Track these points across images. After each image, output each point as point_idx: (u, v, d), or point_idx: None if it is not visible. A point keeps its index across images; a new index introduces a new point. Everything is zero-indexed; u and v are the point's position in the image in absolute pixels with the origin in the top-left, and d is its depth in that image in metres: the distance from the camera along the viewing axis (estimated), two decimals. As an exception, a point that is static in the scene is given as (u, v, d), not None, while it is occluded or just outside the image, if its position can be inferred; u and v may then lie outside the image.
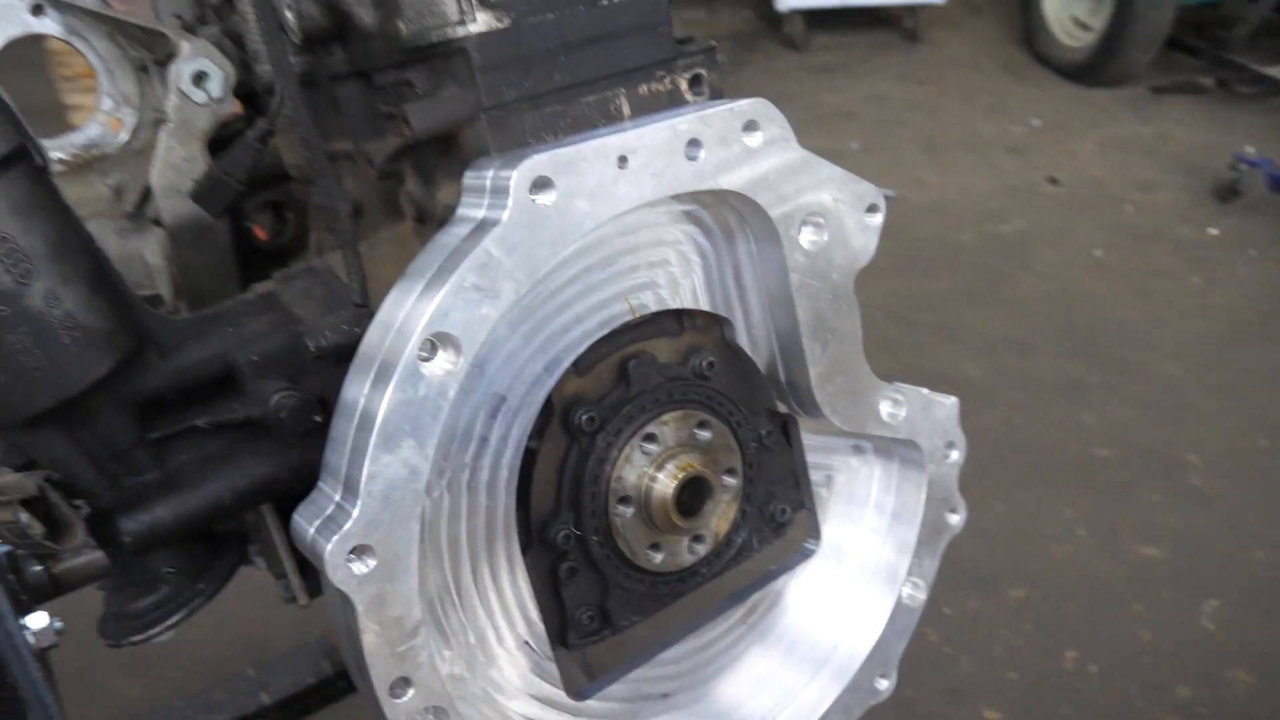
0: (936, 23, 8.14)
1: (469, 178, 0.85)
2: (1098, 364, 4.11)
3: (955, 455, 1.14)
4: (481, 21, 0.88)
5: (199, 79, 1.13)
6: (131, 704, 2.78)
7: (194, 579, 0.94)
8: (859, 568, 1.14)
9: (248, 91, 1.20)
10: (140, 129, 1.34)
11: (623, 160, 0.85)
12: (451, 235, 0.83)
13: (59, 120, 1.37)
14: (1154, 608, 3.06)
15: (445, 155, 0.95)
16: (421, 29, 0.90)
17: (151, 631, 0.92)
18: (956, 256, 4.93)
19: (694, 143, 0.88)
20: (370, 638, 0.79)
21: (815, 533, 1.14)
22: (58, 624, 1.02)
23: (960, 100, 6.75)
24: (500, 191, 0.81)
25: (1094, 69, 6.55)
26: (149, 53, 1.29)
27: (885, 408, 1.08)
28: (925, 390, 1.13)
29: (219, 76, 1.14)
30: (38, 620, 0.99)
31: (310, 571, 1.08)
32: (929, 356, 4.21)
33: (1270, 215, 5.14)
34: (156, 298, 1.30)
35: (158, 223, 1.15)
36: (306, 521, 0.81)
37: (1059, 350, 4.21)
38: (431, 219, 0.98)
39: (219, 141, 1.20)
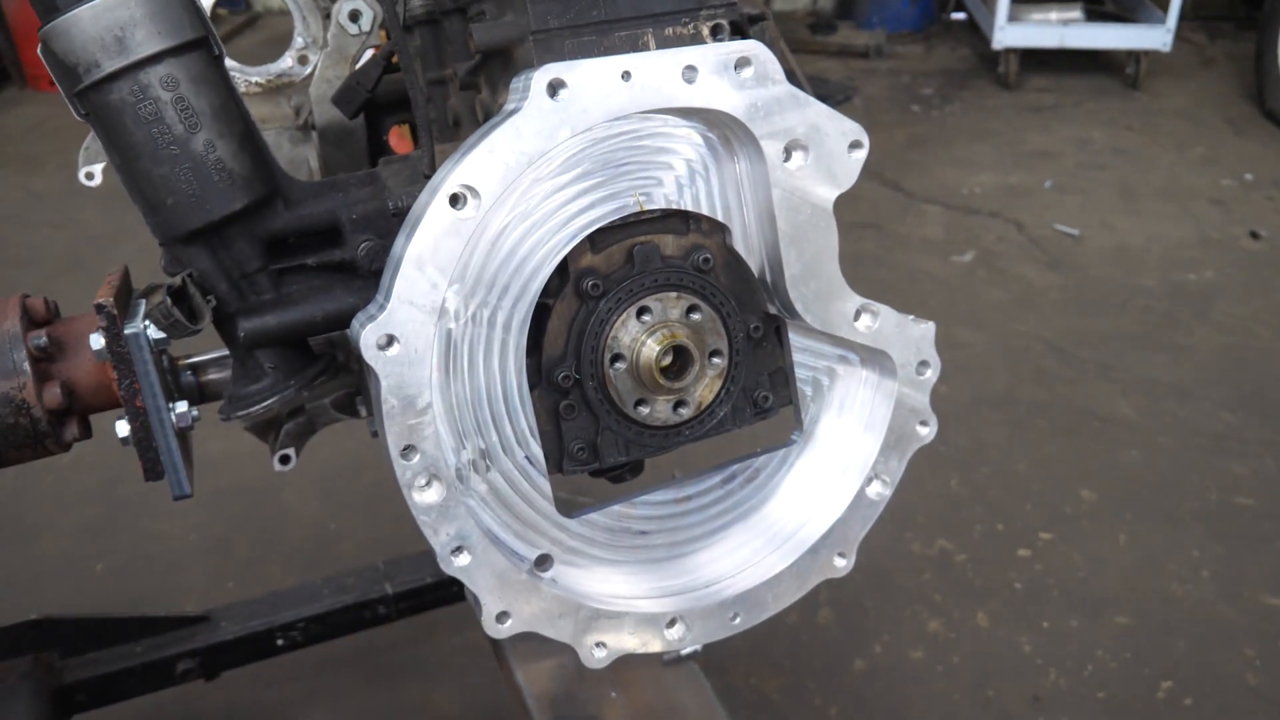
0: (1160, 72, 7.88)
1: (514, 82, 1.12)
2: (1260, 418, 3.97)
3: (929, 374, 1.31)
4: (535, -37, 1.14)
5: (354, 16, 1.46)
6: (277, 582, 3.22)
7: (288, 376, 1.24)
8: (833, 458, 1.32)
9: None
10: (320, 64, 1.69)
11: (626, 75, 1.09)
12: (492, 121, 1.10)
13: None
14: (1267, 656, 2.98)
15: (505, 69, 1.22)
16: (493, -31, 1.18)
17: (252, 409, 1.22)
18: (1132, 300, 4.83)
19: (690, 68, 1.11)
20: (391, 409, 1.06)
21: (798, 424, 1.33)
22: (194, 412, 1.35)
23: (1171, 150, 6.54)
24: (528, 90, 1.07)
25: (1323, 126, 6.21)
26: (332, 2, 1.64)
27: (863, 320, 1.27)
28: (909, 316, 1.30)
29: (369, 15, 1.46)
30: (181, 406, 1.32)
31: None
32: (1082, 391, 4.18)
33: None
34: (313, 194, 1.64)
35: (313, 126, 1.48)
36: (358, 322, 1.09)
37: (1222, 400, 4.09)
38: (494, 120, 1.25)
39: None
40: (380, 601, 2.61)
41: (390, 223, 1.24)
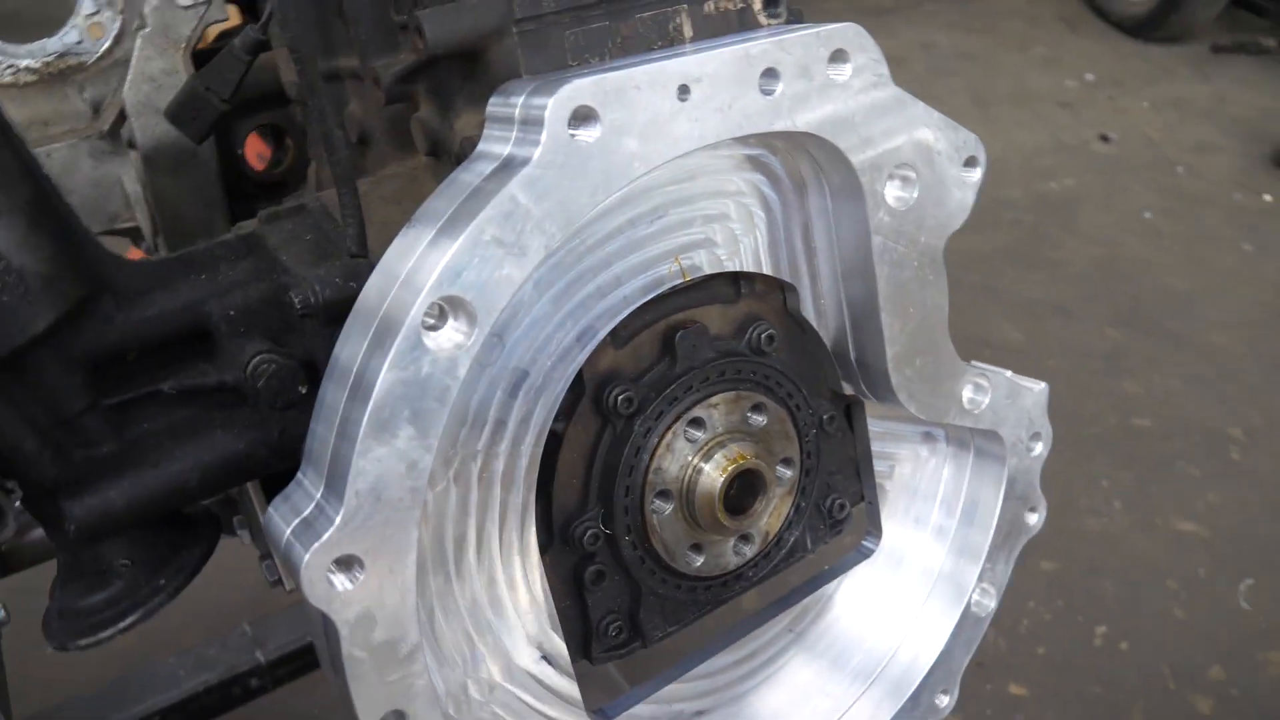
0: (993, -31, 7.81)
1: (495, 105, 0.69)
2: (1142, 332, 3.94)
3: (1039, 448, 0.99)
4: (515, -86, 0.71)
5: (183, -23, 0.97)
6: (122, 654, 2.69)
7: (154, 572, 0.79)
8: (922, 571, 0.99)
9: (248, -1, 1.03)
10: (124, 36, 1.18)
11: (684, 91, 0.69)
12: (471, 174, 0.68)
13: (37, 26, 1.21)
14: (1189, 585, 2.95)
15: (468, 77, 0.79)
16: (442, -80, 0.73)
17: (101, 635, 0.78)
18: (1001, 214, 4.73)
19: (770, 73, 0.72)
20: (357, 666, 0.65)
21: (876, 529, 0.99)
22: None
23: (1013, 51, 6.49)
24: (532, 123, 0.66)
25: (1153, 24, 6.25)
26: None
27: (967, 393, 0.93)
28: (1010, 374, 0.97)
29: (206, -24, 0.97)
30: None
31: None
32: (970, 317, 4.05)
33: (1331, 185, 4.93)
34: (134, 231, 1.15)
35: (132, 145, 1.00)
36: (283, 521, 0.66)
37: (1103, 316, 4.03)
38: (447, 153, 0.82)
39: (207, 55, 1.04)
40: (252, 674, 2.15)
41: (293, 322, 0.80)
